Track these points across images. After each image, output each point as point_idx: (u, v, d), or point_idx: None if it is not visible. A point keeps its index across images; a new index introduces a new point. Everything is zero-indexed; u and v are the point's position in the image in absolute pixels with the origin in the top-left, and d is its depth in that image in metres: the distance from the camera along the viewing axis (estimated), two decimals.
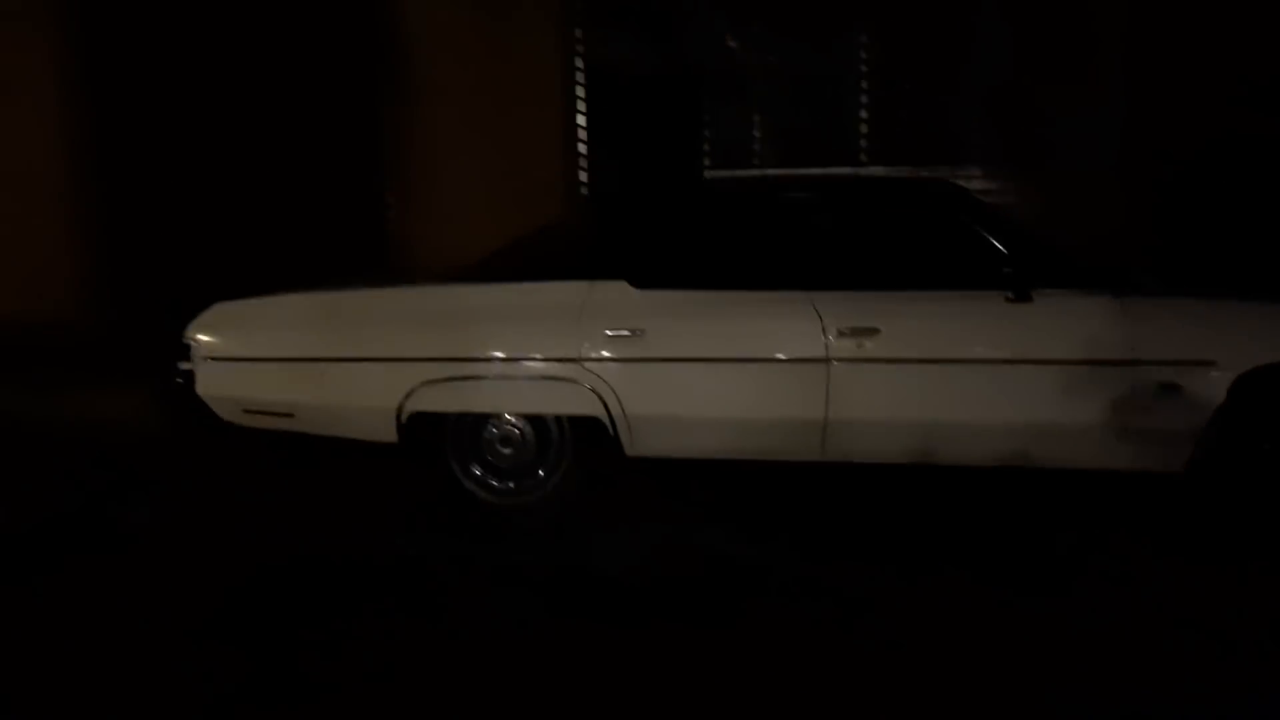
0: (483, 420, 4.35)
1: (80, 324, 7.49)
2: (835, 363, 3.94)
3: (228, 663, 3.04)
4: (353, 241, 7.43)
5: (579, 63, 7.69)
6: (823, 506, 4.42)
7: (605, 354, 4.09)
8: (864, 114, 7.62)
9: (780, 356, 4.00)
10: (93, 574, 3.75)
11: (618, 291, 4.13)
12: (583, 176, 7.80)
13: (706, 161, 7.84)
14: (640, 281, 4.13)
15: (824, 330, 3.95)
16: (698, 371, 4.06)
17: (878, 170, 7.57)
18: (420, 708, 2.80)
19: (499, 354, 4.17)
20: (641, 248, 4.22)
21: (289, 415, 4.33)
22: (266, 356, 4.32)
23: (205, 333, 4.40)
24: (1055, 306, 3.86)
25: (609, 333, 4.08)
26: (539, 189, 7.41)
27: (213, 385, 4.38)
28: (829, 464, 4.14)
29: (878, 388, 3.95)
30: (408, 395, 4.20)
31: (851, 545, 4.01)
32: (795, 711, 2.77)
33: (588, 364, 4.10)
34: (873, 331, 3.92)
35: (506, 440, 4.34)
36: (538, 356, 4.14)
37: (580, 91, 7.71)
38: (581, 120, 7.72)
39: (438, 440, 4.35)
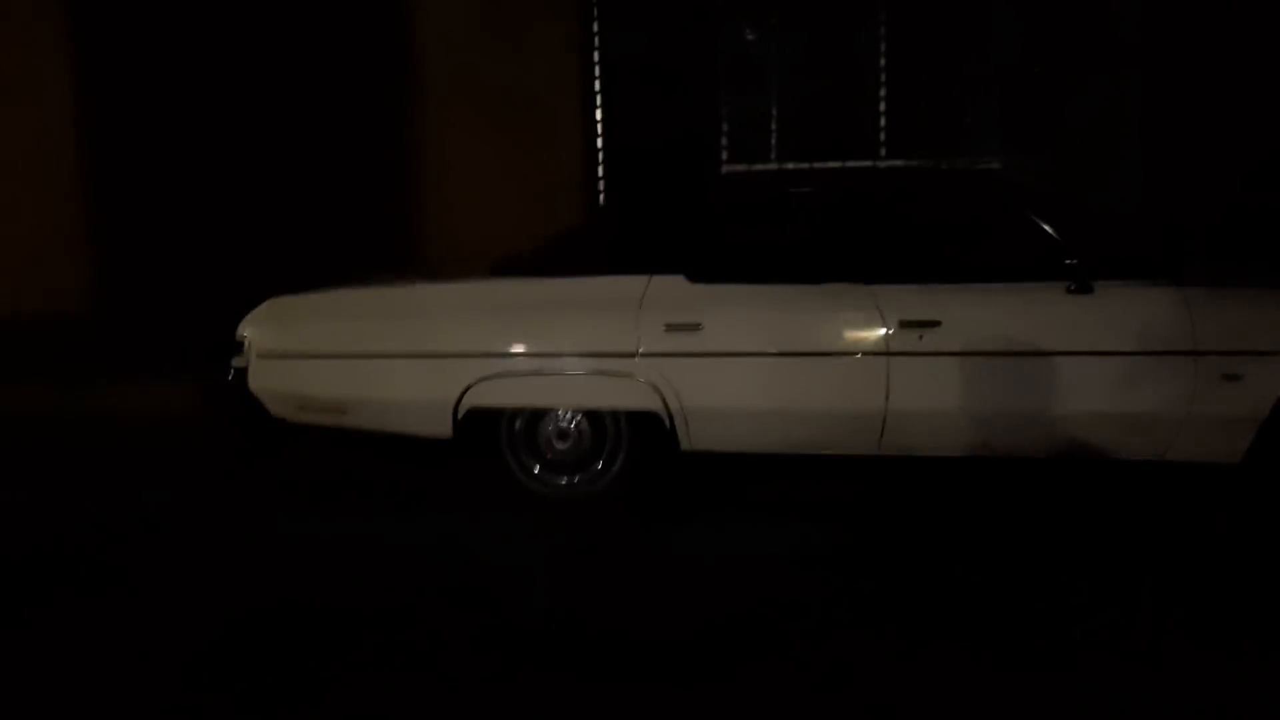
0: (540, 415, 4.34)
1: (96, 319, 7.45)
2: (895, 355, 3.95)
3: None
4: (369, 239, 7.39)
5: (596, 57, 7.68)
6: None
7: (663, 348, 4.08)
8: (883, 106, 7.63)
9: (840, 349, 4.00)
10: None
11: (675, 286, 4.12)
12: (600, 171, 7.79)
13: (724, 155, 7.84)
14: (697, 275, 4.12)
15: (884, 322, 3.95)
16: (756, 365, 4.06)
17: (897, 162, 7.59)
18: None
19: (557, 349, 4.16)
20: (698, 242, 4.21)
21: (342, 411, 4.31)
22: (321, 352, 4.30)
23: (259, 328, 4.37)
24: (1116, 297, 3.87)
25: (666, 327, 4.07)
26: (557, 183, 7.40)
27: (266, 381, 4.35)
28: (884, 457, 4.16)
29: (938, 380, 3.95)
30: (466, 390, 4.19)
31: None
32: None
33: (645, 358, 4.09)
34: (933, 324, 3.92)
35: (563, 435, 4.33)
36: (596, 351, 4.13)
37: (597, 86, 7.68)
38: (599, 115, 7.70)
39: (493, 435, 4.34)
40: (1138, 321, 3.86)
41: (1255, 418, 3.83)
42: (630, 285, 4.15)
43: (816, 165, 7.44)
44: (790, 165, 7.75)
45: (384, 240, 7.33)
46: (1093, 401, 3.90)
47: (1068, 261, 3.89)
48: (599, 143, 7.74)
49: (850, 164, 7.39)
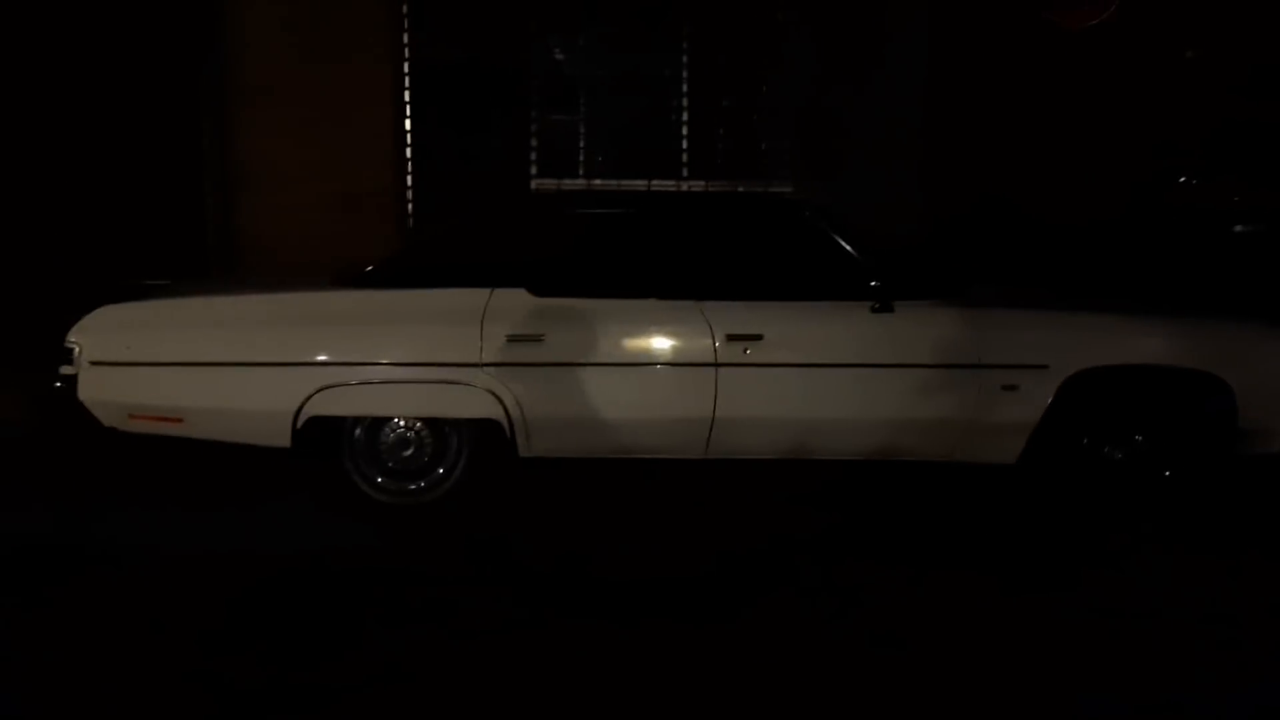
0: (380, 424, 4.43)
1: None
2: (723, 366, 4.28)
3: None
4: (176, 245, 7.18)
5: (406, 68, 7.73)
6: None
7: (505, 358, 4.27)
8: (685, 129, 8.02)
9: (673, 360, 4.31)
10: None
11: (517, 299, 4.32)
12: (409, 181, 7.84)
13: (533, 170, 8.04)
14: (540, 289, 4.33)
15: (713, 336, 4.28)
16: (594, 375, 4.30)
17: (699, 183, 8.00)
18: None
19: (399, 359, 4.28)
20: (540, 256, 4.42)
21: (178, 420, 4.27)
22: (157, 360, 4.25)
23: (90, 336, 4.27)
24: (914, 316, 4.34)
25: (509, 338, 4.26)
26: (366, 194, 7.40)
27: (97, 390, 4.26)
28: (709, 460, 4.49)
29: (761, 389, 4.32)
30: (307, 399, 4.24)
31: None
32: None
33: (487, 368, 4.27)
34: (757, 338, 4.28)
35: (404, 443, 4.44)
36: (439, 361, 4.27)
37: (407, 97, 7.74)
38: (408, 125, 7.75)
39: (333, 443, 4.40)
40: (931, 337, 4.34)
41: (1029, 423, 4.37)
42: (473, 298, 4.32)
43: (624, 184, 7.76)
44: (598, 183, 8.03)
45: (192, 246, 7.15)
46: (893, 409, 4.35)
47: (872, 283, 4.33)
48: (408, 153, 7.79)
49: (657, 184, 7.74)
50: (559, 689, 2.99)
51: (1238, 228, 8.40)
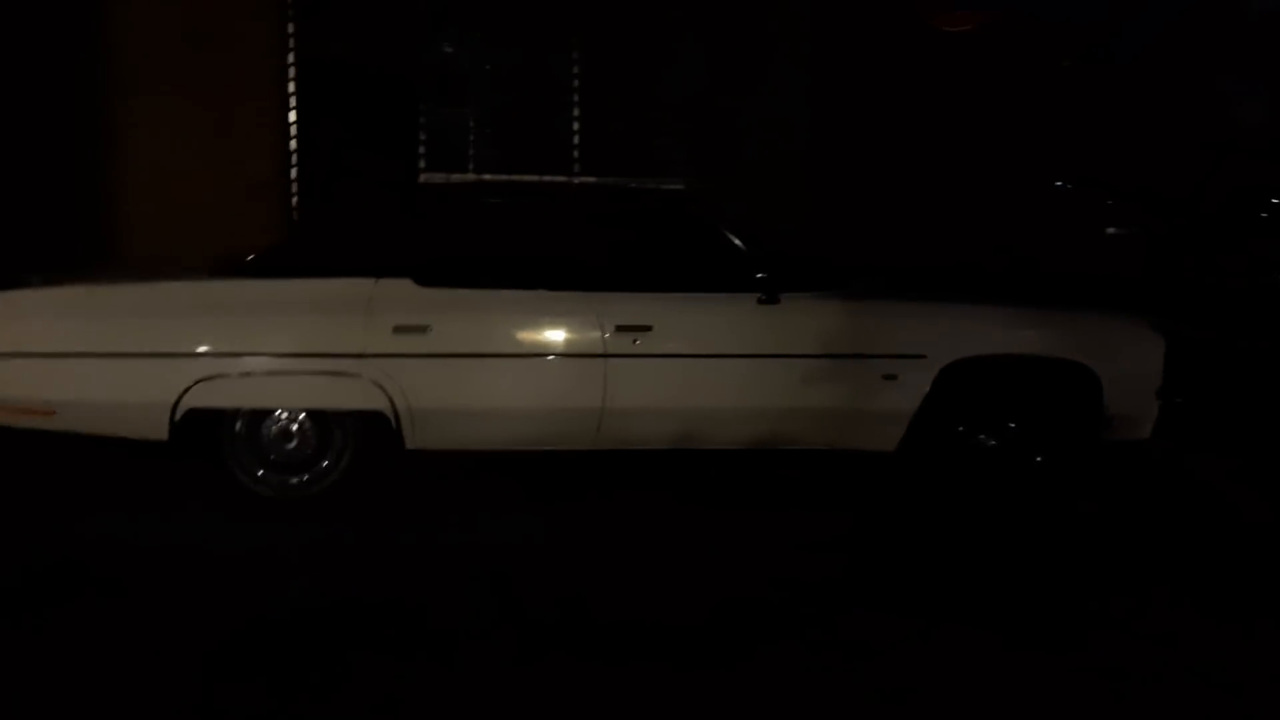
0: (261, 416, 4.34)
1: None
2: (612, 357, 4.30)
3: None
4: (53, 234, 6.91)
5: (291, 58, 7.59)
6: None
7: (390, 349, 4.21)
8: (576, 125, 8.05)
9: (561, 351, 4.32)
10: None
11: (403, 289, 4.27)
12: (293, 174, 7.70)
13: (422, 164, 7.97)
14: (426, 279, 4.29)
15: (601, 327, 4.30)
16: (482, 366, 4.29)
17: (590, 179, 8.03)
18: None
19: (282, 349, 4.21)
20: (426, 246, 4.38)
21: (49, 413, 4.12)
22: (27, 351, 4.09)
23: None
24: (799, 308, 4.42)
25: (395, 329, 4.21)
26: (251, 185, 7.24)
27: None
28: (600, 451, 4.51)
29: (649, 379, 4.35)
30: (185, 391, 4.13)
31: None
32: None
33: (372, 360, 4.21)
34: (646, 328, 4.31)
35: (286, 435, 4.36)
36: (323, 352, 4.21)
37: (292, 88, 7.60)
38: (293, 117, 7.61)
39: (212, 436, 4.30)
40: (815, 329, 4.42)
41: (908, 412, 4.50)
42: (357, 287, 4.25)
43: (516, 178, 7.75)
44: (488, 177, 8.00)
45: (69, 236, 6.90)
46: (778, 398, 4.43)
47: (758, 275, 4.40)
48: (293, 145, 7.64)
49: (547, 178, 7.74)
50: None
51: (1110, 230, 8.77)
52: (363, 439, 4.38)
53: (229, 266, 4.41)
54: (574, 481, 4.79)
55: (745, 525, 4.37)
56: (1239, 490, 4.93)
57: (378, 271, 4.28)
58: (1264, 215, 8.13)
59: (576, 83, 8.03)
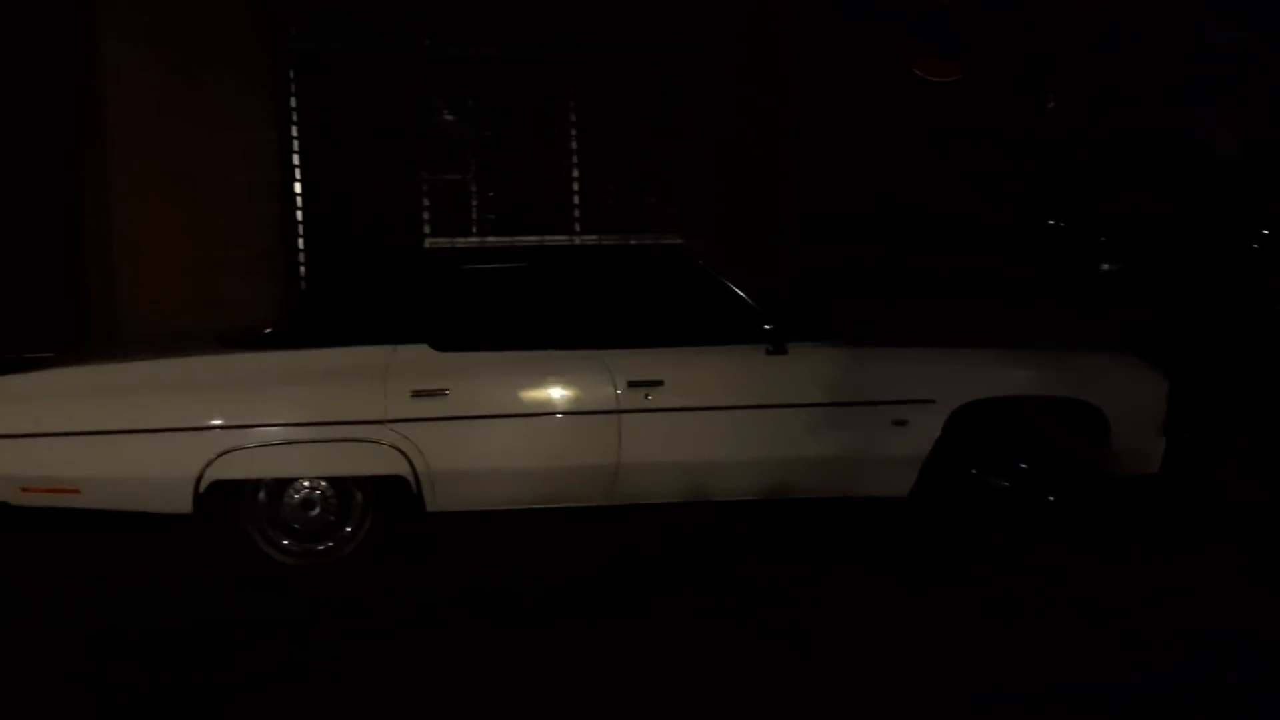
0: (283, 485, 4.40)
1: None
2: (626, 413, 4.37)
3: None
4: (53, 315, 6.99)
5: (295, 131, 7.73)
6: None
7: (410, 414, 4.28)
8: (576, 185, 8.17)
9: (577, 409, 4.39)
10: None
11: (420, 354, 4.35)
12: (300, 244, 7.81)
13: (426, 229, 8.08)
14: (443, 344, 4.37)
15: (614, 384, 4.37)
16: (500, 427, 4.36)
17: (591, 238, 8.13)
18: None
19: (303, 419, 4.27)
20: (442, 312, 4.47)
21: (75, 491, 4.17)
22: (49, 431, 4.15)
23: None
24: (806, 357, 4.50)
25: (413, 393, 4.28)
26: (254, 257, 7.33)
27: None
28: (616, 507, 4.57)
29: (663, 434, 4.42)
30: (208, 464, 4.19)
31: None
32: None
33: (392, 425, 4.28)
34: (657, 383, 4.39)
35: (309, 503, 4.41)
36: (343, 419, 4.27)
37: (296, 160, 7.73)
38: (298, 189, 7.74)
39: (235, 507, 4.35)
40: (824, 377, 4.50)
41: (919, 456, 4.56)
42: (375, 355, 4.33)
43: (519, 241, 7.85)
44: (491, 240, 8.11)
45: (72, 316, 6.99)
46: (791, 448, 4.49)
47: (765, 326, 4.48)
48: (299, 215, 7.76)
49: (550, 240, 7.84)
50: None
51: (1104, 266, 8.91)
52: (384, 505, 4.44)
53: (245, 339, 4.49)
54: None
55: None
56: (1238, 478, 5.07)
57: (394, 338, 4.37)
58: (1255, 246, 8.28)
59: (574, 144, 8.16)
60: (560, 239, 8.00)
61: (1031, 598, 3.82)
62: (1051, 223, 9.05)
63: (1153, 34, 8.04)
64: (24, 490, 4.18)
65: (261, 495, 4.38)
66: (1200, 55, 8.36)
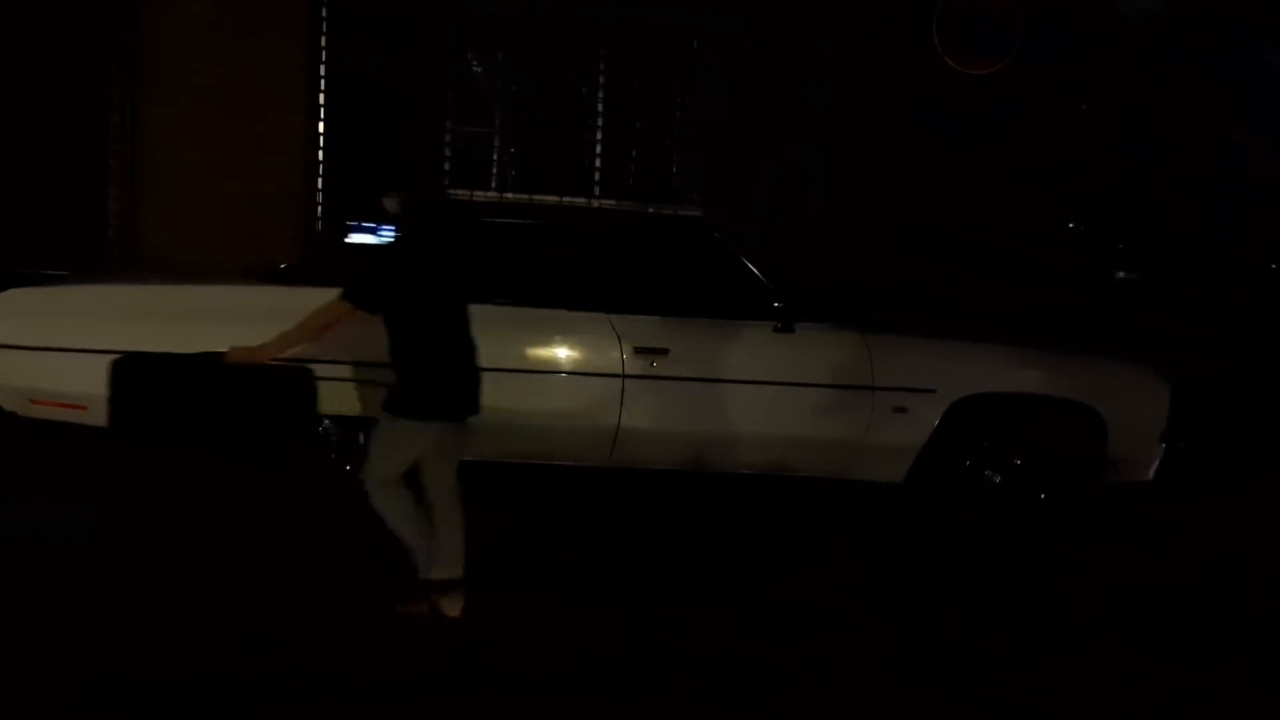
0: None
1: None
2: (630, 378, 4.41)
3: None
4: (75, 237, 7.05)
5: (322, 71, 7.73)
6: None
7: None
8: (599, 148, 8.17)
9: (581, 370, 4.43)
10: None
11: None
12: (319, 184, 7.83)
13: (446, 180, 8.09)
14: None
15: (621, 348, 4.41)
16: (505, 381, 4.35)
17: (609, 202, 8.13)
18: None
19: (311, 355, 4.30)
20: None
21: (82, 407, 4.23)
22: (63, 346, 4.20)
23: None
24: (813, 338, 4.53)
25: None
26: (273, 195, 7.36)
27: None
28: (614, 468, 4.62)
29: (665, 401, 4.46)
30: None
31: None
32: None
33: None
34: (663, 351, 4.42)
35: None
36: (349, 360, 4.31)
37: (322, 100, 7.73)
38: (321, 129, 7.74)
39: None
40: (829, 359, 4.54)
41: (916, 445, 4.60)
42: None
43: (536, 199, 7.86)
44: (510, 196, 8.11)
45: (93, 240, 7.03)
46: (791, 426, 4.54)
47: (775, 304, 4.51)
48: (320, 157, 7.77)
49: (567, 200, 7.85)
50: None
51: (1120, 274, 8.88)
52: None
53: (261, 274, 4.53)
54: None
55: None
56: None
57: None
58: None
59: (600, 106, 8.14)
60: (579, 200, 8.01)
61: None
62: (1071, 226, 9.00)
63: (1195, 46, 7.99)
64: (32, 402, 4.24)
65: None
66: (1243, 70, 8.30)
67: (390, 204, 3.63)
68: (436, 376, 3.55)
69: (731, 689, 3.09)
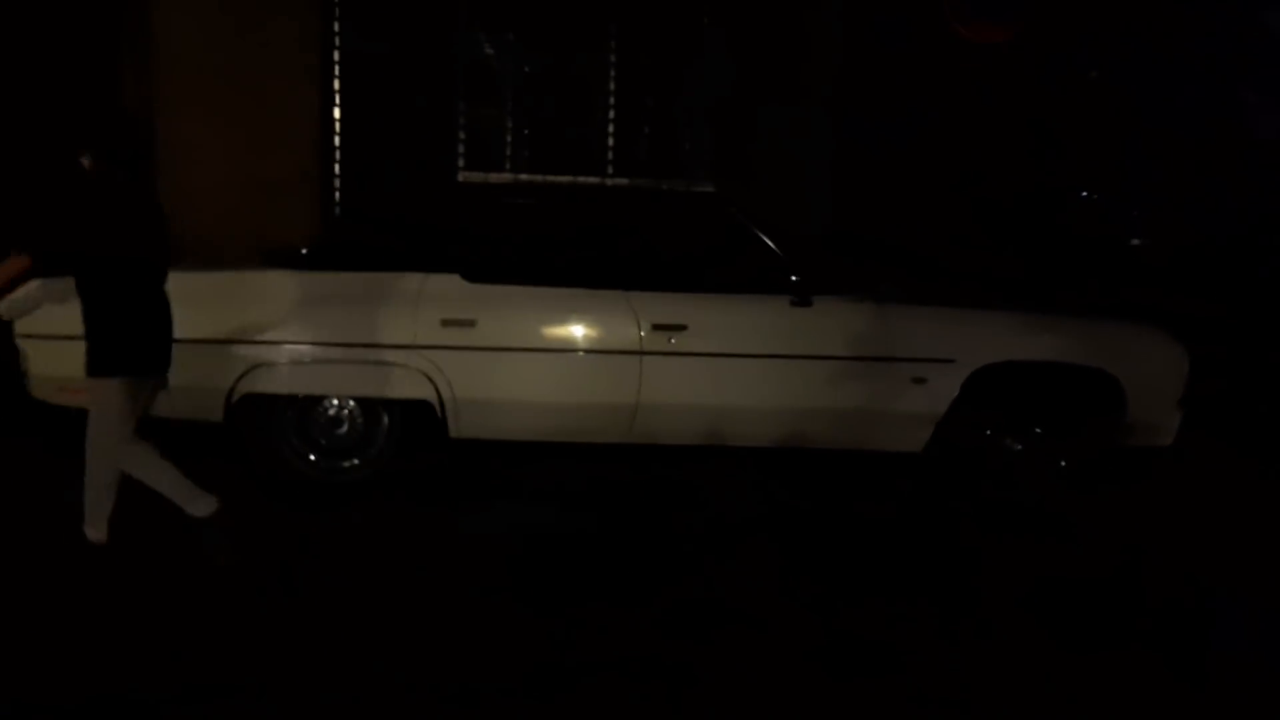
0: (314, 401, 4.51)
1: None
2: (648, 354, 4.46)
3: None
4: None
5: (336, 56, 7.77)
6: None
7: (438, 342, 4.39)
8: (611, 127, 8.18)
9: (600, 347, 4.47)
10: None
11: (451, 284, 4.44)
12: (337, 169, 7.88)
13: (460, 162, 8.12)
14: (474, 275, 4.46)
15: (639, 325, 4.45)
16: (525, 360, 4.45)
17: (622, 180, 8.16)
18: None
19: (335, 339, 4.38)
20: (474, 244, 4.54)
21: None
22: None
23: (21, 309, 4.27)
24: (830, 311, 4.56)
25: (443, 322, 4.38)
26: (288, 178, 7.42)
27: (28, 362, 4.28)
28: (634, 445, 4.66)
29: (684, 377, 4.50)
30: (240, 377, 4.31)
31: None
32: None
33: (421, 351, 4.38)
34: (681, 328, 4.46)
35: (336, 421, 4.53)
36: (373, 342, 4.38)
37: (337, 84, 7.77)
38: (338, 113, 7.79)
39: (265, 420, 4.47)
40: (847, 332, 4.56)
41: (936, 415, 4.63)
42: (407, 281, 4.42)
43: (550, 179, 7.89)
44: (524, 177, 8.15)
45: None
46: (810, 399, 4.57)
47: (792, 278, 4.53)
48: (336, 140, 7.82)
49: (582, 180, 7.88)
50: None
51: (1134, 241, 8.87)
52: (409, 427, 4.55)
53: (282, 258, 4.58)
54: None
55: None
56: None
57: (426, 267, 4.45)
58: None
59: (612, 85, 8.16)
60: (592, 180, 8.05)
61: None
62: (1085, 194, 8.99)
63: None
64: (62, 390, 4.29)
65: (290, 410, 4.50)
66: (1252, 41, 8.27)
67: (85, 159, 3.63)
68: (125, 333, 3.59)
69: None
